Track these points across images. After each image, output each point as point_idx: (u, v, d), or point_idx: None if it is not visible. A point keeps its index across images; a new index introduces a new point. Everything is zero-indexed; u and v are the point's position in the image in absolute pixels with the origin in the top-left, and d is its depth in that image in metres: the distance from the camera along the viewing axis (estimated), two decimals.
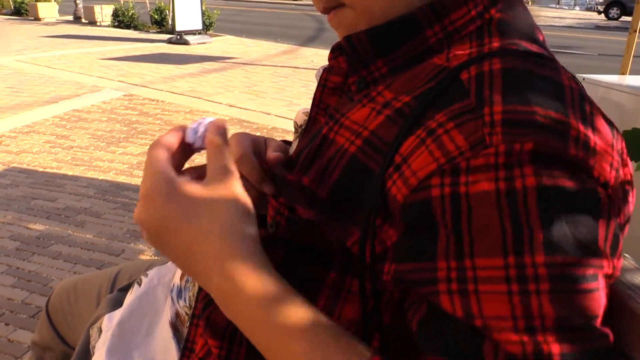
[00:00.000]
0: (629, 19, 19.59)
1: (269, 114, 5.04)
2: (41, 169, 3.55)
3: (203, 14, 9.97)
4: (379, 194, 0.44)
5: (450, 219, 0.39)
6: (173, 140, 0.50)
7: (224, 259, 0.45)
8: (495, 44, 0.47)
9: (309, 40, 11.21)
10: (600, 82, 2.39)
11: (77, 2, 13.28)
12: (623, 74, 3.90)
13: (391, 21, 0.51)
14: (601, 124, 0.42)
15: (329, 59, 0.58)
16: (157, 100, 5.42)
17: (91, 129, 4.45)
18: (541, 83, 0.42)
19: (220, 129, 0.50)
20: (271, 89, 6.11)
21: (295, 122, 0.67)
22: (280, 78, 6.78)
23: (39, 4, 13.50)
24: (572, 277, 0.37)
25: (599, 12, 22.67)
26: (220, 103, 5.37)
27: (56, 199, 3.09)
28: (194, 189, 0.46)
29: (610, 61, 9.55)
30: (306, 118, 0.63)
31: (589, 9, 31.09)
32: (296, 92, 5.97)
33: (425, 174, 0.41)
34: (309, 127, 0.61)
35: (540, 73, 0.43)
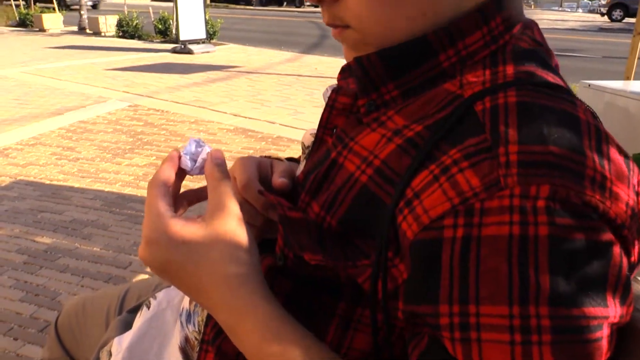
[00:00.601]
0: (632, 20, 19.58)
1: (273, 122, 5.05)
2: (48, 182, 3.57)
3: (207, 23, 10.02)
4: (389, 228, 0.44)
5: (459, 261, 0.39)
6: (170, 174, 0.52)
7: (227, 300, 0.48)
8: (510, 72, 0.47)
9: (313, 48, 11.24)
10: (605, 88, 2.39)
11: (82, 13, 13.37)
12: (628, 77, 3.90)
13: (404, 44, 0.50)
14: (617, 160, 0.41)
15: (338, 80, 0.57)
16: (162, 111, 5.44)
17: (97, 140, 4.47)
18: (557, 118, 0.41)
19: (219, 160, 0.51)
20: (275, 97, 6.12)
21: (302, 143, 0.66)
22: (284, 86, 6.80)
23: (44, 15, 13.61)
24: (575, 328, 0.37)
25: (602, 14, 22.64)
26: (225, 112, 5.39)
27: (63, 211, 3.10)
28: (193, 231, 0.48)
29: (615, 64, 9.53)
30: (312, 139, 0.63)
31: (591, 11, 31.05)
32: (300, 100, 5.98)
33: (437, 214, 0.40)
34: (315, 148, 0.60)
35: (557, 107, 0.42)
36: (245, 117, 5.22)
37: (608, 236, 0.39)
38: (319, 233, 0.49)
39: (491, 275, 0.38)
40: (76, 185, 3.51)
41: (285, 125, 4.95)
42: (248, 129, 4.84)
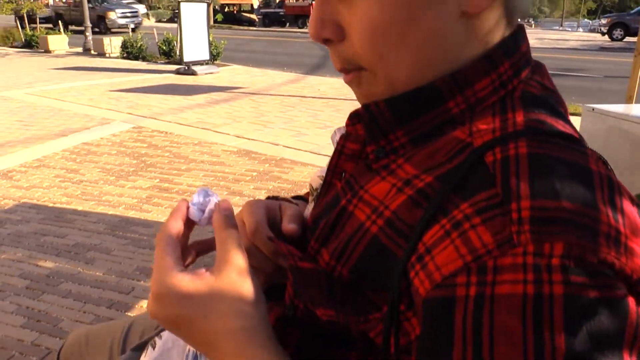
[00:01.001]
0: (633, 39, 19.65)
1: (277, 144, 5.06)
2: (51, 204, 3.57)
3: (210, 44, 10.12)
4: (401, 282, 0.43)
5: (472, 321, 0.38)
6: (178, 226, 0.53)
7: (234, 354, 0.48)
8: (520, 119, 0.46)
9: (315, 69, 11.33)
10: (609, 112, 2.39)
11: (87, 34, 13.53)
12: (630, 96, 3.97)
13: (412, 91, 0.50)
14: (631, 213, 0.40)
15: (347, 125, 0.57)
16: (166, 132, 5.46)
17: (101, 162, 4.48)
18: (569, 171, 0.40)
19: (226, 211, 0.51)
20: (279, 118, 6.15)
21: (310, 185, 0.66)
22: (288, 107, 6.83)
23: (50, 37, 13.77)
24: None
25: (603, 34, 22.76)
26: (228, 134, 5.41)
27: (66, 235, 3.10)
28: (198, 286, 0.49)
29: (617, 83, 9.57)
30: (321, 182, 0.62)
31: (592, 30, 31.29)
32: (304, 121, 6.00)
33: (450, 271, 0.39)
34: (324, 192, 0.60)
35: (568, 158, 0.42)
36: (249, 139, 5.23)
37: (624, 293, 0.38)
38: (329, 283, 0.48)
39: (505, 336, 0.37)
40: (79, 208, 3.51)
41: (289, 147, 4.96)
42: (251, 150, 4.85)
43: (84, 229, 3.18)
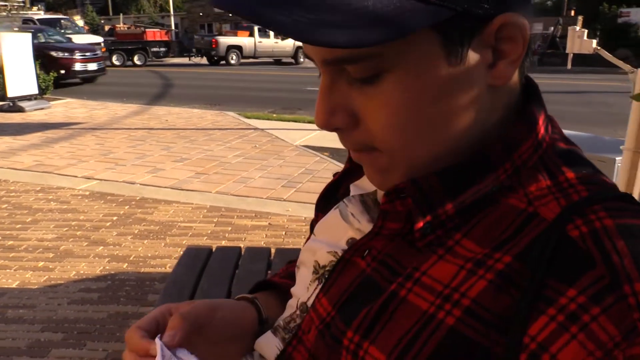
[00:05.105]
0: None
1: (133, 182, 4.74)
2: None
3: (38, 76, 9.22)
4: None
5: None
6: None
7: None
8: (574, 181, 0.46)
9: (158, 98, 10.89)
10: None
11: None
12: None
13: (463, 163, 0.47)
14: None
15: (383, 203, 0.51)
16: None
17: None
18: None
19: None
20: (129, 154, 5.78)
21: (316, 262, 0.59)
22: (137, 142, 6.45)
23: None
24: None
25: None
26: (76, 176, 4.94)
27: None
28: None
29: None
30: (332, 258, 0.57)
31: None
32: (157, 155, 5.71)
33: None
34: (339, 270, 0.54)
35: None
36: (100, 180, 4.83)
37: None
38: None
39: None
40: None
41: (147, 185, 4.67)
42: (106, 192, 4.48)
43: None
